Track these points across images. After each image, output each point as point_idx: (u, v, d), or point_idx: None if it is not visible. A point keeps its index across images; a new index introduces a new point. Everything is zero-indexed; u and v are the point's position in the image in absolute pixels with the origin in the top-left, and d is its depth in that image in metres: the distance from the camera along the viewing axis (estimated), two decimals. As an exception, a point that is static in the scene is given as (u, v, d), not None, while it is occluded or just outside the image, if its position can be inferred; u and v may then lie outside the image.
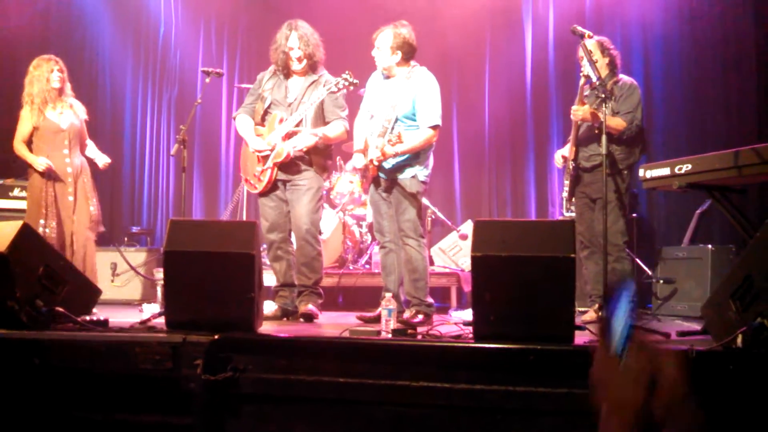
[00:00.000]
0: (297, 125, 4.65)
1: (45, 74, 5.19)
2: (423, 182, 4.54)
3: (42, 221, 5.07)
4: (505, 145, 7.47)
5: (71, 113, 5.28)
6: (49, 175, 5.11)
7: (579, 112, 4.73)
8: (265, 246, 4.85)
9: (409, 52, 4.54)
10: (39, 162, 5.11)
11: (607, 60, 4.83)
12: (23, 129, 5.21)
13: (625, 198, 4.84)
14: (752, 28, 6.17)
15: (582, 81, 4.87)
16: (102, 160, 5.41)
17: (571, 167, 4.92)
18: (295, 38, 4.72)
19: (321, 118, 4.72)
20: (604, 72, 4.77)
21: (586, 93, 4.98)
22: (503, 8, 7.36)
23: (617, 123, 4.68)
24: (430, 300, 4.55)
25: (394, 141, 4.26)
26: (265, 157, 4.66)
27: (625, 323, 1.29)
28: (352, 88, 4.66)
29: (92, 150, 5.44)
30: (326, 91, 4.61)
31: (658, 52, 6.75)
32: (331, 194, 6.57)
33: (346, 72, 4.62)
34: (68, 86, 5.35)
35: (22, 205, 6.16)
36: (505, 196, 7.43)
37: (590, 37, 4.35)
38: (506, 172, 7.45)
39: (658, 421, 1.28)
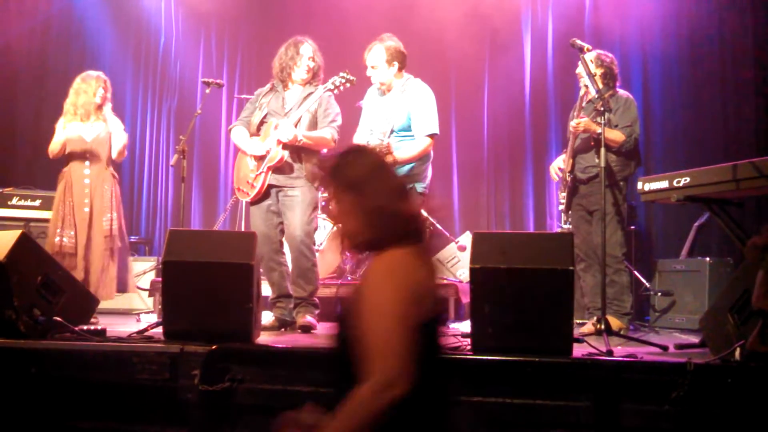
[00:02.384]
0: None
1: (93, 88, 5.29)
2: (421, 194, 4.54)
3: (58, 230, 5.11)
4: (503, 156, 7.48)
5: (101, 127, 5.29)
6: (68, 183, 5.16)
7: (581, 123, 4.73)
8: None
9: (402, 61, 4.57)
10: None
11: (601, 71, 4.85)
12: (58, 139, 5.23)
13: (623, 210, 4.85)
14: (751, 42, 6.21)
15: (582, 92, 4.89)
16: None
17: (568, 179, 4.93)
18: (309, 49, 4.75)
19: (315, 127, 4.72)
20: (600, 84, 4.80)
21: (583, 105, 5.00)
22: (502, 21, 7.38)
23: (616, 136, 4.70)
24: None
25: (385, 152, 4.28)
26: (260, 161, 4.66)
27: None
28: (349, 85, 4.65)
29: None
30: (323, 89, 4.62)
31: (656, 66, 6.78)
32: (329, 205, 6.56)
33: (345, 71, 4.63)
34: (109, 105, 5.41)
35: (21, 213, 6.19)
36: (504, 208, 7.44)
37: (589, 50, 4.37)
38: (505, 183, 7.46)
39: None
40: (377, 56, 4.53)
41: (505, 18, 7.38)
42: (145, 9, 8.06)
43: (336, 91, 4.70)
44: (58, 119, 5.32)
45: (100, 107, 5.33)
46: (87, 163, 5.22)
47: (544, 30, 7.36)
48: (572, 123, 4.82)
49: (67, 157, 5.23)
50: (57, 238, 5.08)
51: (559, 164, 5.13)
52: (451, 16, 7.26)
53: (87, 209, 5.17)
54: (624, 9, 6.90)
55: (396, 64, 4.54)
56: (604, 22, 7.01)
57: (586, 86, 4.83)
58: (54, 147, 5.23)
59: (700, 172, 3.84)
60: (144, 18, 8.07)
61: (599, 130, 4.32)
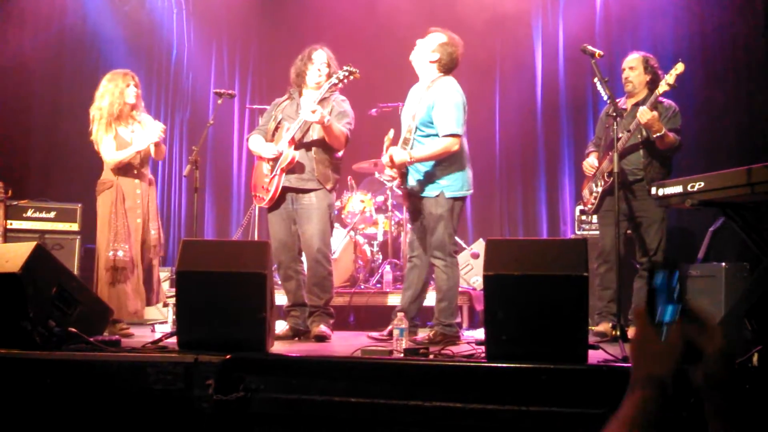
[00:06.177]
0: (304, 131, 4.67)
1: (120, 87, 4.98)
2: (453, 199, 4.36)
3: (112, 244, 4.87)
4: (516, 163, 7.47)
5: (142, 131, 5.05)
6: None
7: (647, 115, 4.57)
8: (275, 265, 4.85)
9: (447, 63, 4.48)
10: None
11: (648, 77, 4.85)
12: (109, 144, 4.93)
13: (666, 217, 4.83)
14: (764, 45, 6.17)
15: (660, 90, 4.79)
16: (157, 130, 5.03)
17: (606, 178, 4.84)
18: (323, 55, 4.80)
19: None
20: (643, 90, 4.80)
21: (624, 107, 5.00)
22: (512, 28, 7.40)
23: (673, 138, 4.69)
24: (451, 321, 4.39)
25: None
26: (273, 164, 4.68)
27: (673, 297, 1.28)
28: (352, 77, 4.65)
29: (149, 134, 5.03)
30: (328, 85, 4.64)
31: (669, 70, 6.73)
32: (342, 213, 6.57)
33: (348, 64, 4.63)
34: (142, 103, 5.20)
35: (36, 225, 6.22)
36: (517, 215, 7.43)
37: (600, 56, 4.36)
38: (517, 190, 7.45)
39: (697, 389, 1.29)
40: (435, 37, 4.51)
41: (515, 26, 7.38)
42: (157, 21, 8.13)
43: (340, 85, 4.69)
44: (93, 128, 4.99)
45: (134, 107, 5.06)
46: (136, 172, 5.03)
47: (554, 37, 7.36)
48: (643, 110, 4.56)
49: (114, 167, 4.97)
50: (111, 253, 4.84)
51: (592, 162, 5.02)
52: (462, 25, 7.25)
53: (140, 220, 4.99)
54: (635, 16, 6.88)
55: (436, 57, 4.46)
56: (614, 25, 7.00)
57: (631, 90, 4.88)
58: (119, 156, 4.90)
59: (714, 177, 3.82)
60: (156, 30, 8.15)
61: (661, 132, 4.51)
